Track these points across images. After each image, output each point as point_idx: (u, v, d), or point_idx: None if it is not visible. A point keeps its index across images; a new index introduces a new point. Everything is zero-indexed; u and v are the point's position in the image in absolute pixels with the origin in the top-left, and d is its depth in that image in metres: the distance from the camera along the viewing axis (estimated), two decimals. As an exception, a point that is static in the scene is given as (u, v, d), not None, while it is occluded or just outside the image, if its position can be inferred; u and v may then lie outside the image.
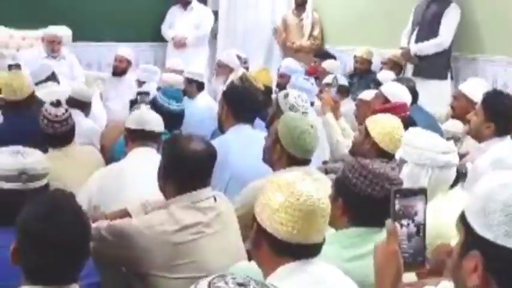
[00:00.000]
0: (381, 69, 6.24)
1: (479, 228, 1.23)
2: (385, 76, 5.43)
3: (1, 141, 2.62)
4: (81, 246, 1.79)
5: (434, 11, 5.91)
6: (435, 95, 5.43)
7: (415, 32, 6.05)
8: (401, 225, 1.42)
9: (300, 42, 7.73)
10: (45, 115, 3.44)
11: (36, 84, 4.67)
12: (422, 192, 1.44)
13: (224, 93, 3.84)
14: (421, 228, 1.43)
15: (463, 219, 1.29)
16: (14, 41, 7.33)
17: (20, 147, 2.47)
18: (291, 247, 1.75)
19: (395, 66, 6.21)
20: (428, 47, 5.89)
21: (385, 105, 3.91)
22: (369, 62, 6.76)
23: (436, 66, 5.86)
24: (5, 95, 4.01)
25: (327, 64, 6.33)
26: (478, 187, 1.28)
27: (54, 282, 1.76)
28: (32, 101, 4.08)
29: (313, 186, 1.80)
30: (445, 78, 5.93)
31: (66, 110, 3.51)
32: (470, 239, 1.25)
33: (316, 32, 7.79)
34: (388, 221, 1.44)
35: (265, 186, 1.83)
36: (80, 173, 3.18)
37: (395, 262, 1.45)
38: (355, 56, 6.84)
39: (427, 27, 5.93)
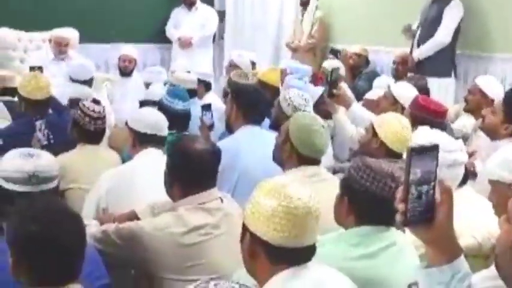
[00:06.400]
0: (394, 67, 6.02)
1: None
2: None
3: (21, 140, 2.62)
4: (78, 244, 1.79)
5: (436, 10, 5.82)
6: (437, 93, 5.33)
7: (418, 34, 5.97)
8: (421, 192, 1.31)
9: (298, 42, 7.72)
10: (87, 112, 3.43)
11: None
12: (435, 149, 1.32)
13: (234, 94, 3.79)
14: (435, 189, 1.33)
15: None
16: (21, 43, 7.34)
17: (31, 150, 2.48)
18: (288, 252, 1.72)
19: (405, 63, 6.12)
20: (428, 49, 5.80)
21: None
22: (361, 58, 6.76)
23: (437, 64, 5.77)
24: (27, 95, 3.98)
25: (327, 64, 6.15)
26: None
27: (53, 283, 1.75)
28: (50, 102, 4.13)
29: (303, 188, 1.78)
30: (449, 76, 5.85)
31: (104, 108, 3.54)
32: None
33: (313, 31, 7.75)
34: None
35: (252, 194, 1.78)
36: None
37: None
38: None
39: (428, 28, 5.84)
